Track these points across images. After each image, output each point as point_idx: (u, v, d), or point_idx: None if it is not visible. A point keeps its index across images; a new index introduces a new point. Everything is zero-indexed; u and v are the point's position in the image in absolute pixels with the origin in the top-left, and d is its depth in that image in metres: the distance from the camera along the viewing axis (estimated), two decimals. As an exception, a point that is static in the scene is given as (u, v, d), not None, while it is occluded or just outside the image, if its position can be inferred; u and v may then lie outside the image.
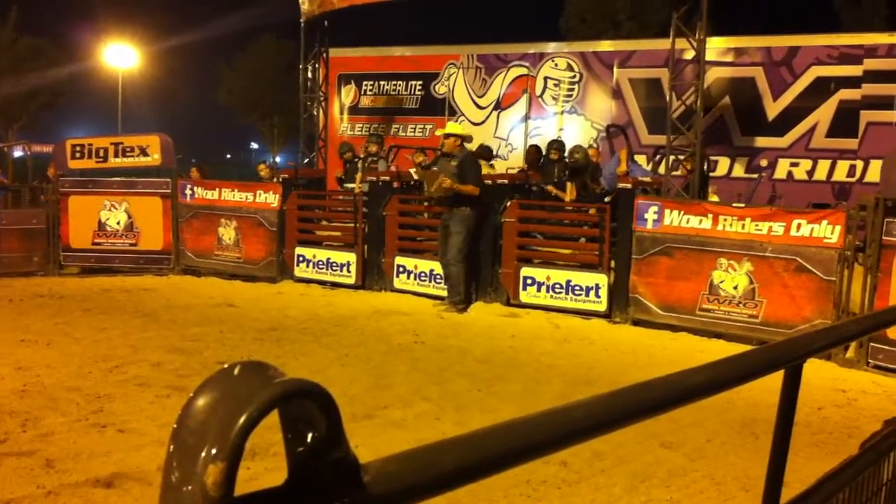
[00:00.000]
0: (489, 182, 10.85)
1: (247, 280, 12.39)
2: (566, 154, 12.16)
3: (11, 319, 9.17)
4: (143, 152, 13.25)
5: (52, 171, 14.44)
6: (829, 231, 8.50)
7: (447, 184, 10.13)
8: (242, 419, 0.68)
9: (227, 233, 12.73)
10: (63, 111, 52.40)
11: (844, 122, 13.83)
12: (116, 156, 13.30)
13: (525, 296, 10.42)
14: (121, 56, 43.66)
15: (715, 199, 11.72)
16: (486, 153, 14.09)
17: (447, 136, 10.48)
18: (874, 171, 12.26)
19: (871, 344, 8.05)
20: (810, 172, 14.15)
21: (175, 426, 0.72)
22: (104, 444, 5.20)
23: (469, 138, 10.91)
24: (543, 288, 10.29)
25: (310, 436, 0.75)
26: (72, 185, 13.20)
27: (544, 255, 10.82)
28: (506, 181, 11.10)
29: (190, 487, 0.68)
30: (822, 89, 14.08)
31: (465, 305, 10.42)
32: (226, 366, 0.75)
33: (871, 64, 13.65)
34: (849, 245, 8.45)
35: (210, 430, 0.69)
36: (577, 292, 10.09)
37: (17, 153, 27.56)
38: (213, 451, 0.68)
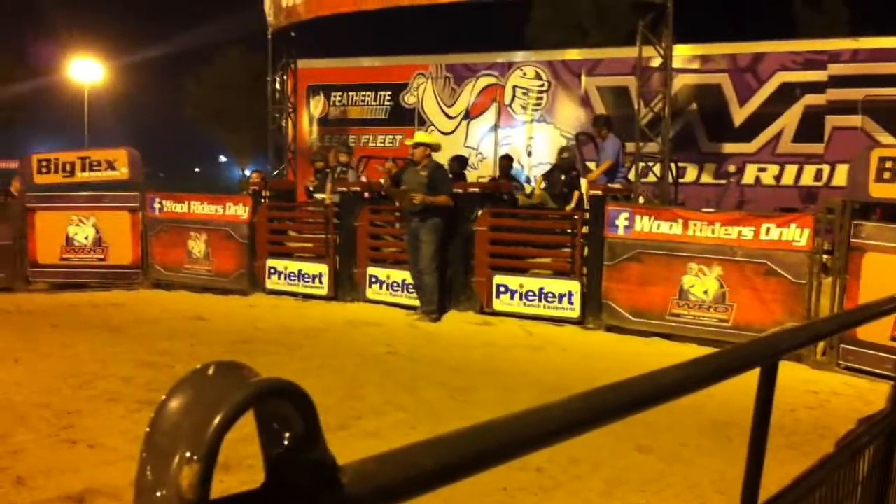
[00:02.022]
0: (460, 191, 10.86)
1: (218, 293, 12.28)
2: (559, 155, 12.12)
3: (-22, 337, 9.04)
4: (111, 166, 13.12)
5: (16, 185, 14.27)
6: (797, 234, 8.57)
7: (418, 200, 10.12)
8: (217, 419, 0.66)
9: (197, 246, 12.62)
10: (28, 126, 51.95)
11: (810, 127, 14.02)
12: (83, 170, 13.15)
13: (498, 304, 10.41)
14: (86, 70, 43.33)
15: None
16: (460, 164, 14.14)
17: (416, 145, 10.46)
18: (840, 175, 12.43)
19: (842, 346, 8.13)
20: (778, 177, 14.31)
21: (148, 429, 0.70)
22: (74, 459, 5.13)
23: (437, 147, 10.89)
24: (517, 296, 10.30)
25: (286, 436, 0.73)
26: (38, 199, 13.04)
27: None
28: (477, 190, 11.10)
29: (164, 491, 0.67)
30: (787, 95, 14.26)
31: (439, 315, 10.40)
32: (199, 366, 0.73)
33: (835, 69, 13.85)
34: (817, 248, 8.54)
35: (184, 431, 0.68)
36: (550, 299, 10.10)
37: (-18, 169, 27.29)
38: (188, 453, 0.66)
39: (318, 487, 0.75)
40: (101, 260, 12.94)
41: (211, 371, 0.73)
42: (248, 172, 46.54)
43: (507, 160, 14.33)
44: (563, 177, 11.46)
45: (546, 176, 11.87)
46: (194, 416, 0.68)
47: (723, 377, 1.41)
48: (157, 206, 12.89)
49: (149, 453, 0.70)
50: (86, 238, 12.92)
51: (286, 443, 0.73)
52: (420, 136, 10.78)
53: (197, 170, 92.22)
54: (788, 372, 7.52)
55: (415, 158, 10.46)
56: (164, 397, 0.71)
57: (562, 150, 11.98)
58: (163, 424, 0.70)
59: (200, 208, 12.66)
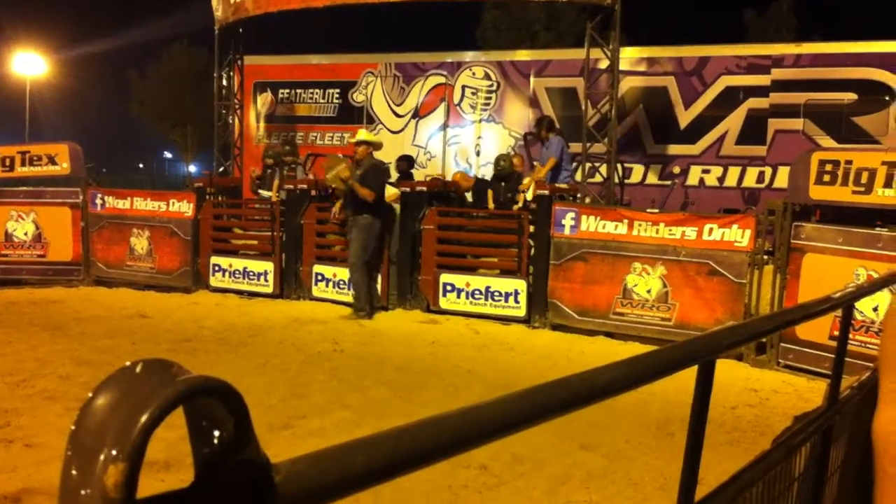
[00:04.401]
0: (408, 189, 10.85)
1: (161, 291, 12.11)
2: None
3: (-89, 334, 8.81)
4: (52, 161, 12.86)
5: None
6: (739, 235, 8.73)
7: (345, 175, 10.22)
8: (144, 418, 0.65)
9: (140, 242, 12.44)
10: (-33, 120, 50.67)
11: (753, 130, 14.25)
12: (24, 164, 12.88)
13: (445, 302, 10.43)
14: (29, 64, 42.40)
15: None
16: (408, 163, 14.11)
17: (359, 143, 10.47)
18: (782, 178, 12.65)
19: (782, 344, 8.29)
20: (721, 179, 14.53)
21: (73, 428, 0.69)
22: (11, 459, 5.03)
23: (379, 145, 10.90)
24: (463, 294, 10.32)
25: (216, 435, 0.72)
26: (-24, 195, 12.76)
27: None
28: (424, 189, 11.10)
29: (89, 491, 0.65)
30: (731, 98, 14.48)
31: (369, 313, 10.35)
32: (127, 364, 0.72)
33: (778, 74, 14.10)
34: (758, 249, 8.70)
35: (110, 430, 0.66)
36: (496, 298, 10.14)
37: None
38: (113, 451, 0.65)
39: (249, 487, 0.74)
40: (40, 256, 12.70)
41: (139, 369, 0.72)
42: (192, 169, 45.99)
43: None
44: (503, 184, 11.52)
45: (490, 185, 11.88)
46: (120, 415, 0.67)
47: (659, 375, 1.42)
48: (98, 202, 12.68)
49: (74, 452, 0.68)
50: (25, 234, 12.66)
51: (216, 442, 0.72)
52: (362, 133, 10.79)
53: (140, 166, 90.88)
54: (729, 371, 7.69)
55: (357, 157, 10.46)
56: (90, 395, 0.69)
57: (498, 159, 12.01)
58: (88, 422, 0.68)
59: (144, 205, 12.48)
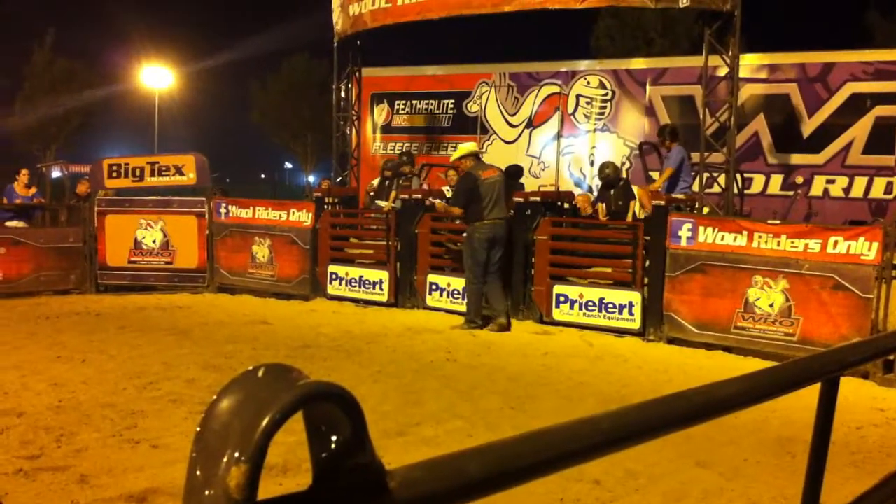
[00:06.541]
0: (520, 199, 10.83)
1: (280, 298, 12.44)
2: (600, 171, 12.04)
3: (48, 336, 9.28)
4: (179, 171, 13.39)
5: (83, 188, 14.69)
6: (866, 248, 8.38)
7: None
8: (265, 421, 0.67)
9: (261, 251, 12.80)
10: (99, 132, 53.22)
11: (881, 139, 13.67)
12: (152, 175, 13.45)
13: (558, 313, 10.36)
14: (157, 77, 44.31)
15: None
16: (515, 172, 14.10)
17: (459, 159, 10.54)
18: (912, 188, 12.13)
19: (911, 362, 7.92)
20: (847, 189, 13.99)
21: (198, 429, 0.72)
22: (138, 459, 5.23)
23: (475, 153, 10.75)
24: (576, 305, 10.23)
25: (334, 440, 0.74)
26: (108, 203, 13.36)
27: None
28: (538, 199, 11.06)
29: (212, 491, 0.68)
30: (857, 106, 13.94)
31: (479, 325, 10.30)
32: (250, 368, 0.74)
33: (907, 80, 13.50)
34: (886, 262, 8.33)
35: (233, 432, 0.69)
36: (610, 310, 10.02)
37: (55, 173, 28.02)
38: (236, 453, 0.67)
39: (365, 491, 0.76)
40: (168, 263, 13.21)
41: (261, 373, 0.74)
42: (311, 179, 47.07)
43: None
44: (611, 192, 11.39)
45: (599, 196, 11.79)
46: (243, 417, 0.69)
47: (780, 392, 1.38)
48: (223, 210, 13.11)
49: (199, 453, 0.71)
50: (154, 241, 13.19)
51: (333, 446, 0.74)
52: (459, 150, 10.76)
53: (263, 176, 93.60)
54: (855, 389, 7.39)
55: (462, 171, 10.60)
56: (214, 398, 0.72)
57: (602, 167, 11.88)
58: (213, 424, 0.71)
59: (265, 214, 12.85)
